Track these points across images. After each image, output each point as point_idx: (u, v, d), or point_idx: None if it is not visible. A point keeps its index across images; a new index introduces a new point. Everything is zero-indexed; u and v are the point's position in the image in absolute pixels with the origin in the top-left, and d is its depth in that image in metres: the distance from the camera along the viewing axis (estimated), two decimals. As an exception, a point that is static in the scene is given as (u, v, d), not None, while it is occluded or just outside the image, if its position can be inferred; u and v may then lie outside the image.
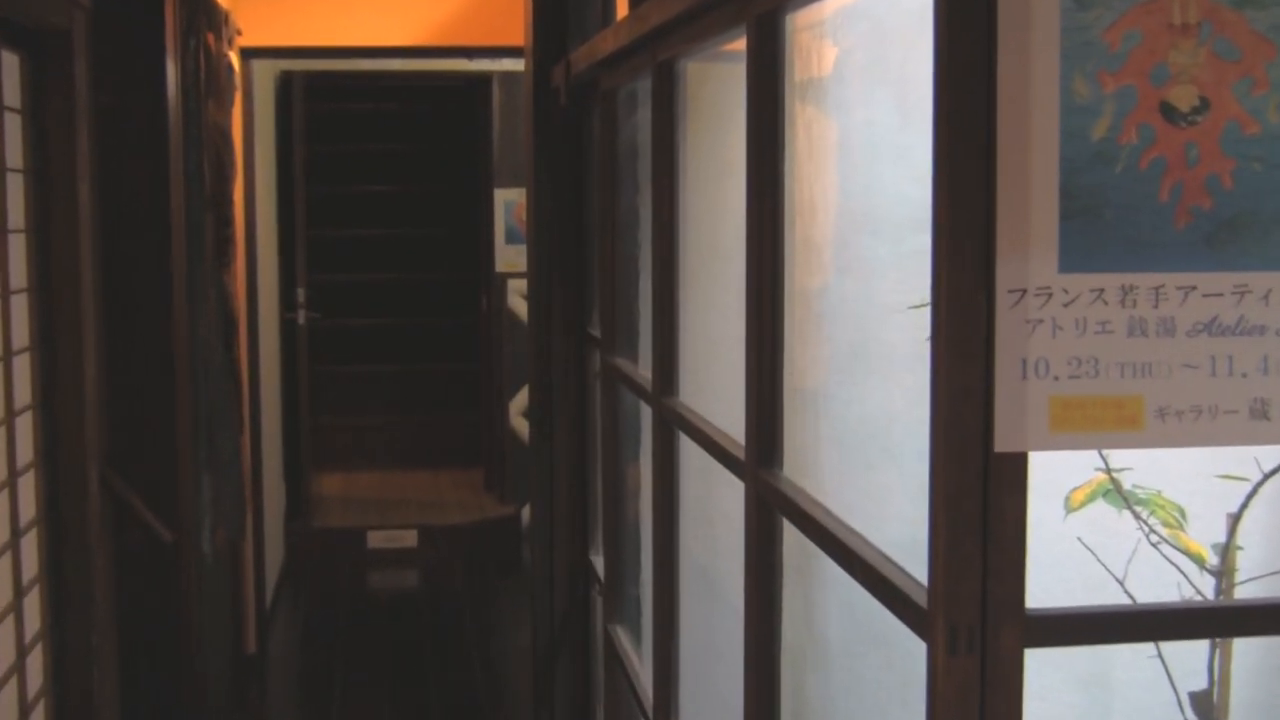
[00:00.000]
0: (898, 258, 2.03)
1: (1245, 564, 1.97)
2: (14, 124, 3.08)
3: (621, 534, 3.37)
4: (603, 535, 3.55)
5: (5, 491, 2.98)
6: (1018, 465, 1.31)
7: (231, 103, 4.52)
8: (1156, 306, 1.31)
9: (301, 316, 7.40)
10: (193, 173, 3.85)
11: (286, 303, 7.31)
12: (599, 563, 3.64)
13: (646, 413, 2.99)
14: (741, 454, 2.08)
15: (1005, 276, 1.29)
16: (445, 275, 9.05)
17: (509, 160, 7.40)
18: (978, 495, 1.30)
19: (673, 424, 2.66)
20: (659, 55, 2.62)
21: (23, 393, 3.10)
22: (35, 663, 3.17)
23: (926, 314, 1.33)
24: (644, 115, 3.08)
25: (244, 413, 4.92)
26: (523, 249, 6.84)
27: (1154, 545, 1.97)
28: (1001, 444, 1.30)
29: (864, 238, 2.16)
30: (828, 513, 1.78)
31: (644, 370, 3.01)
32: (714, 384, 2.58)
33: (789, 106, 1.99)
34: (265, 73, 6.57)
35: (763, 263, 1.98)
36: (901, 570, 1.51)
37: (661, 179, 2.67)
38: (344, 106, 8.98)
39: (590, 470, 3.84)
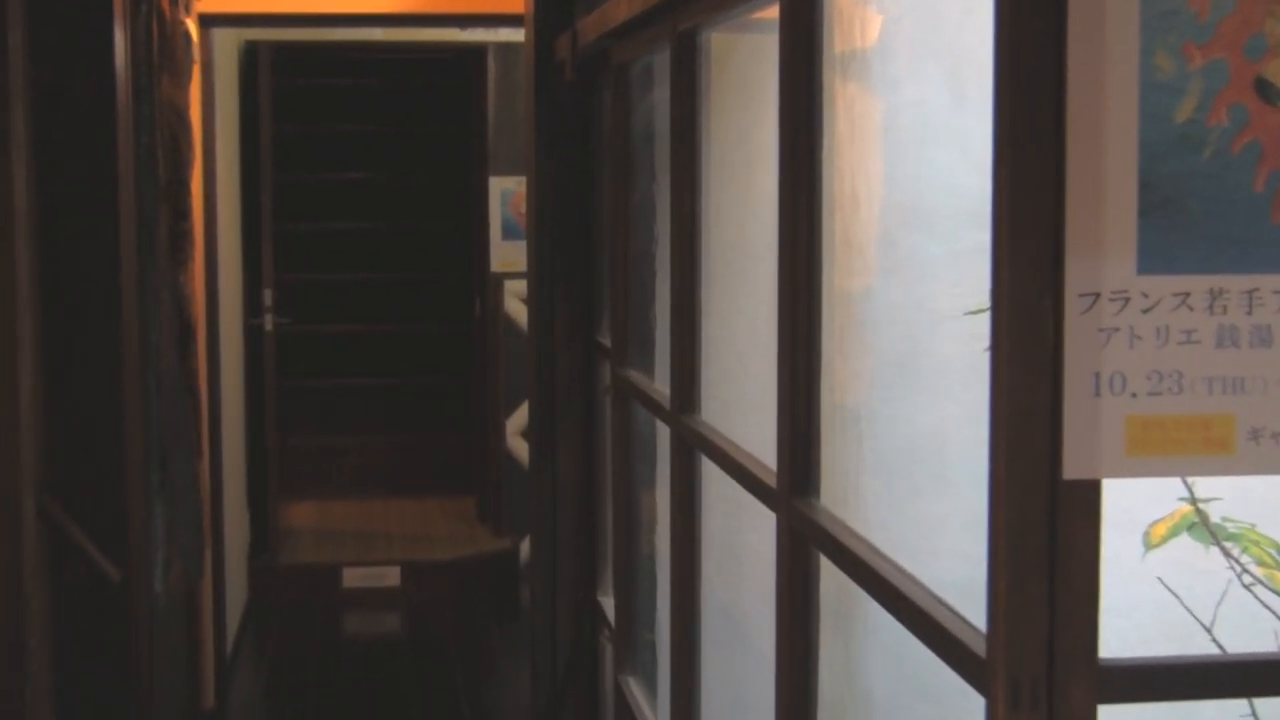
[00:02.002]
0: (952, 257, 2.03)
1: (1352, 609, 1.97)
2: (-58, 102, 3.09)
3: (634, 571, 3.37)
4: (613, 573, 3.55)
5: (-70, 522, 2.99)
6: (1090, 494, 1.31)
7: (189, 78, 4.54)
8: (1250, 313, 1.31)
9: (268, 322, 7.42)
10: (144, 158, 3.87)
11: (251, 307, 7.34)
12: (608, 604, 3.64)
13: (663, 433, 3.00)
14: (773, 480, 2.09)
15: (1076, 279, 1.29)
16: (433, 275, 9.07)
17: (506, 144, 7.42)
18: (1044, 528, 1.31)
19: (693, 446, 2.66)
20: (679, 24, 2.63)
21: (-50, 409, 3.11)
22: (-37, 718, 3.18)
23: (985, 321, 1.34)
24: (661, 93, 3.08)
25: (202, 433, 4.93)
26: (521, 245, 6.85)
27: (1246, 587, 1.96)
28: (1071, 470, 1.30)
29: (913, 234, 2.17)
30: (871, 548, 1.78)
31: (660, 384, 3.02)
32: (741, 401, 2.58)
33: (828, 83, 1.99)
34: (227, 43, 6.60)
35: (797, 263, 1.98)
36: (956, 614, 1.51)
37: (681, 166, 2.68)
38: (317, 82, 9.01)
39: (598, 498, 3.84)
